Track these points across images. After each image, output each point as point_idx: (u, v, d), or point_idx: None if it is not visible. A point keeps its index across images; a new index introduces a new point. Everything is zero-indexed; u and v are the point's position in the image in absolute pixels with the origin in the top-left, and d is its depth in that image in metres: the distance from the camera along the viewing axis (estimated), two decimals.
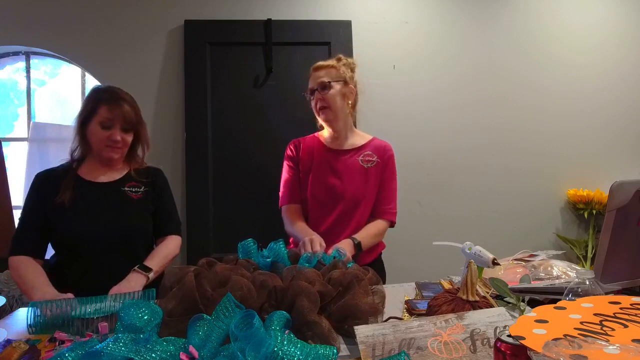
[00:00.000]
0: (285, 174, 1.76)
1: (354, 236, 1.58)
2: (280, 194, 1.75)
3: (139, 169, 1.59)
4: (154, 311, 0.90)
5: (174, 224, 1.62)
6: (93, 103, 1.47)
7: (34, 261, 1.42)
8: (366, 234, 1.62)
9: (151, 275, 1.38)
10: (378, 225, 1.68)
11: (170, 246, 1.54)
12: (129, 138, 1.51)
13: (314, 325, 0.92)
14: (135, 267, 1.38)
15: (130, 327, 0.84)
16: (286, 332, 0.83)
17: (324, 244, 1.41)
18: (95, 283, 1.29)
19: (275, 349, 0.72)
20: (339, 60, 1.70)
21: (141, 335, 0.80)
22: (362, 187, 1.66)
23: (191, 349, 0.78)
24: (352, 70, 1.71)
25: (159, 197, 1.59)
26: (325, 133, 1.75)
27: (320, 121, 1.72)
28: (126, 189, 1.53)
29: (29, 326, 1.03)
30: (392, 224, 1.73)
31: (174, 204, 1.67)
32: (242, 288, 0.97)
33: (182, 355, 0.77)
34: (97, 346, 0.76)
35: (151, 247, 1.58)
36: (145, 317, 0.87)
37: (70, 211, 1.44)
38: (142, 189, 1.56)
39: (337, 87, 1.64)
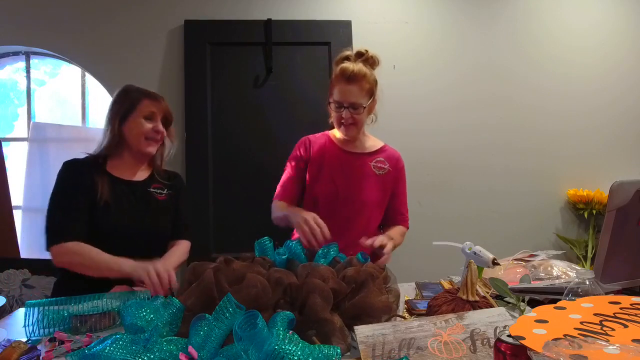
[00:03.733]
0: (286, 174, 1.72)
1: (389, 234, 1.59)
2: (276, 191, 1.72)
3: (160, 171, 1.61)
4: (156, 310, 0.90)
5: (187, 228, 1.63)
6: (133, 98, 1.49)
7: (82, 243, 1.37)
8: (396, 234, 1.64)
9: None
10: (402, 231, 1.72)
11: (177, 254, 1.53)
12: (165, 133, 1.54)
13: (326, 323, 0.93)
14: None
15: (131, 326, 0.84)
16: (290, 332, 0.83)
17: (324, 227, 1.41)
18: (110, 281, 1.29)
19: (277, 347, 0.72)
20: (366, 62, 1.59)
21: (141, 336, 0.80)
22: (371, 192, 1.65)
23: (190, 349, 0.78)
24: (375, 69, 1.63)
25: (178, 201, 1.61)
26: (338, 134, 1.72)
27: (340, 133, 1.67)
28: (152, 190, 1.55)
29: (27, 327, 1.03)
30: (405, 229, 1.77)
31: (190, 208, 1.68)
32: (257, 285, 0.98)
33: (182, 356, 0.77)
34: (95, 349, 0.76)
35: (165, 250, 1.58)
36: (148, 317, 0.87)
37: (104, 207, 1.43)
38: (165, 191, 1.58)
39: (367, 105, 1.59)
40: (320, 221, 1.41)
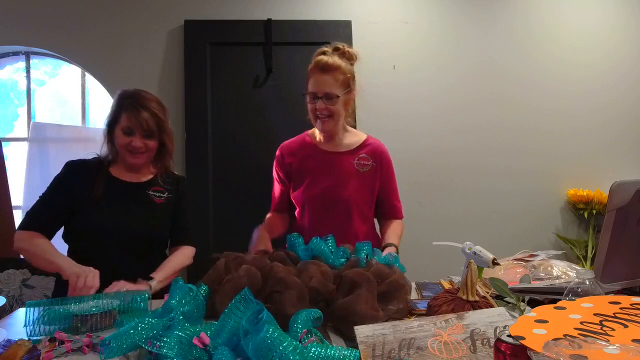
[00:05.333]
0: (274, 186, 1.76)
1: (391, 242, 1.59)
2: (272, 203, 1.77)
3: (164, 174, 1.60)
4: (186, 293, 0.98)
5: (189, 233, 1.63)
6: (116, 109, 1.49)
7: (44, 236, 1.43)
8: (397, 236, 1.65)
9: (153, 283, 1.38)
10: (401, 225, 1.71)
11: (180, 257, 1.55)
12: (152, 144, 1.50)
13: (288, 319, 0.92)
14: (139, 279, 1.38)
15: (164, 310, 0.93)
16: (304, 331, 0.83)
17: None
18: (102, 280, 1.30)
19: (269, 342, 0.74)
20: (342, 55, 1.59)
21: (165, 319, 0.87)
22: (358, 191, 1.62)
23: (202, 335, 0.83)
24: (352, 65, 1.63)
25: (179, 205, 1.61)
26: (317, 133, 1.69)
27: (317, 128, 1.65)
28: (151, 192, 1.55)
29: (27, 326, 1.03)
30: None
31: (191, 213, 1.68)
32: (245, 276, 1.09)
33: (195, 340, 0.81)
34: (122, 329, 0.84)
35: (164, 252, 1.59)
36: (174, 302, 0.96)
37: (96, 205, 1.46)
38: (165, 195, 1.57)
39: (342, 97, 1.57)
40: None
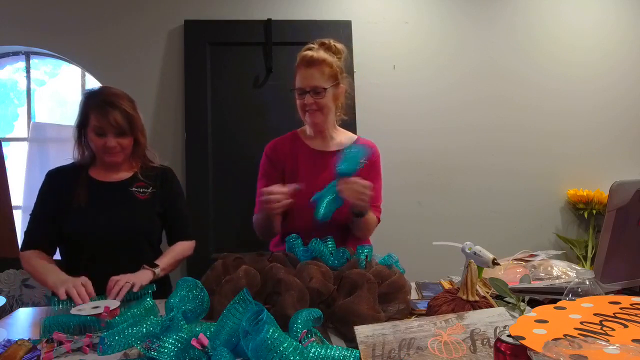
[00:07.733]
0: (260, 183, 1.63)
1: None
2: (255, 206, 1.62)
3: (147, 168, 1.59)
4: (190, 290, 0.98)
5: (187, 228, 1.62)
6: (84, 110, 1.47)
7: (44, 254, 1.45)
8: (366, 221, 1.55)
9: (157, 270, 1.40)
10: (375, 221, 1.62)
11: (178, 248, 1.56)
12: (126, 142, 1.49)
13: (288, 320, 0.92)
14: (144, 265, 1.40)
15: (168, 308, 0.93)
16: (304, 331, 0.83)
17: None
18: (97, 283, 1.29)
19: (269, 342, 0.73)
20: (327, 49, 1.59)
21: (165, 318, 0.87)
22: None
23: (201, 336, 0.82)
24: (340, 59, 1.61)
25: (167, 198, 1.59)
26: (307, 131, 1.67)
27: (306, 123, 1.63)
28: (134, 189, 1.54)
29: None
30: (377, 221, 1.66)
31: (186, 206, 1.66)
32: (243, 277, 1.09)
33: (193, 342, 0.81)
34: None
35: (157, 249, 1.59)
36: (175, 300, 0.95)
37: (79, 210, 1.45)
38: (149, 190, 1.56)
39: (330, 90, 1.55)
40: (275, 189, 1.40)
